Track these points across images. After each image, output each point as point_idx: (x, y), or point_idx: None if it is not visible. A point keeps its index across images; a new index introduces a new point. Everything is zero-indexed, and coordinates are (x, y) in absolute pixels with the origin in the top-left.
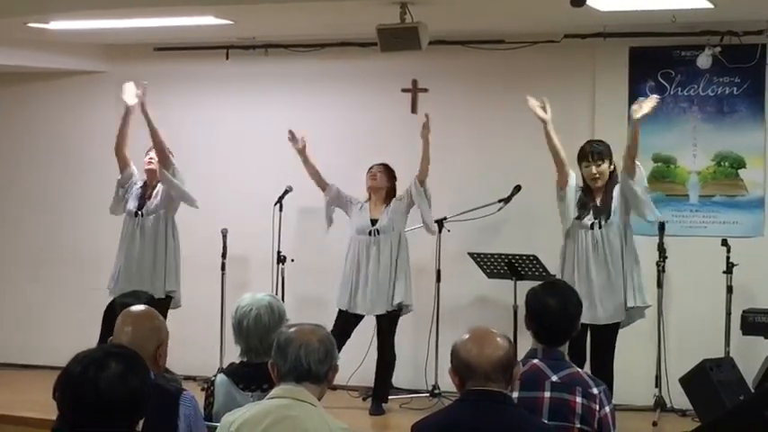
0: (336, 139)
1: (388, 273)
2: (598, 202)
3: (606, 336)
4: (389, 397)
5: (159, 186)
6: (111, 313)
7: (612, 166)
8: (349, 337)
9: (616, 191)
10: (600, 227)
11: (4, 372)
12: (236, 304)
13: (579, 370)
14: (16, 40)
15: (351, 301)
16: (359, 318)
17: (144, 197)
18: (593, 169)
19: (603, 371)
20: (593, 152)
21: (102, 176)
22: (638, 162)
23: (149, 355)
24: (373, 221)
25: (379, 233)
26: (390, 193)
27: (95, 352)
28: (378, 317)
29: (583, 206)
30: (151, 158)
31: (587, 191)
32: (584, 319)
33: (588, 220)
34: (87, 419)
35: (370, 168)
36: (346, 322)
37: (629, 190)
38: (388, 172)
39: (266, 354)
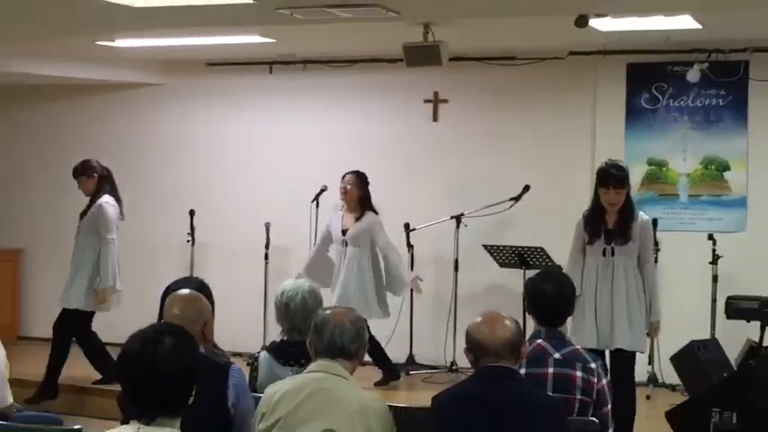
0: (366, 144)
1: (360, 286)
2: (610, 224)
3: (625, 362)
4: (412, 372)
5: (91, 209)
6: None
7: (628, 190)
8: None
9: (638, 229)
10: (612, 254)
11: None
12: (281, 289)
13: (578, 347)
14: (85, 56)
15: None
16: None
17: (83, 213)
18: (613, 197)
19: (624, 399)
20: (615, 179)
21: (157, 175)
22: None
23: (197, 333)
24: (344, 231)
25: (347, 244)
26: (363, 202)
27: (148, 330)
28: None
29: (594, 231)
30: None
31: (598, 213)
32: (599, 344)
33: (599, 245)
34: (148, 394)
35: (343, 177)
36: None
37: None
38: (359, 181)
39: (308, 333)
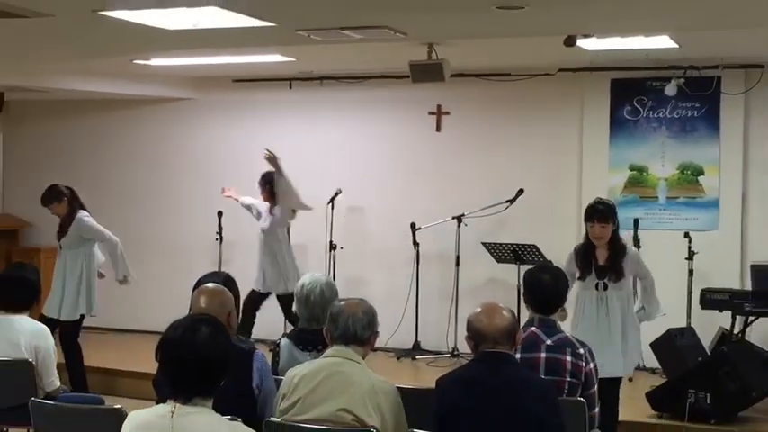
0: (376, 151)
1: (278, 264)
2: (601, 260)
3: (609, 388)
4: (418, 357)
5: (71, 227)
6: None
7: (615, 226)
8: (258, 310)
9: (630, 263)
10: (605, 288)
11: (114, 335)
12: (301, 283)
13: (568, 335)
14: (123, 74)
15: (257, 282)
16: (264, 296)
17: (60, 233)
18: (598, 230)
19: (609, 421)
20: (599, 213)
21: (185, 181)
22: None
23: (222, 322)
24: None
25: (263, 232)
26: (269, 195)
27: (186, 319)
28: (278, 297)
29: (585, 266)
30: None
31: (589, 248)
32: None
33: (591, 280)
34: (187, 376)
35: None
36: (257, 299)
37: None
38: (261, 185)
39: (324, 322)
